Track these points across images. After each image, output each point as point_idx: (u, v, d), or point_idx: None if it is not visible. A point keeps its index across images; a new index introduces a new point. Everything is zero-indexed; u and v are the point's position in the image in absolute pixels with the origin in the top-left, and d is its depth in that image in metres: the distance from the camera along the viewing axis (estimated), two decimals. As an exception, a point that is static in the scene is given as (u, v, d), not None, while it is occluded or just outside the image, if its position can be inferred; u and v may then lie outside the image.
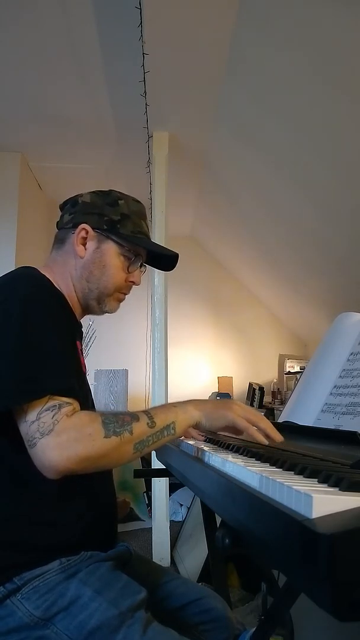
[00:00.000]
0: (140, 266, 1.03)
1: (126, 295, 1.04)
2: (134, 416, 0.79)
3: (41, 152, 3.54)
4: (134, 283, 1.02)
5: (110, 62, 2.53)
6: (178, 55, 2.41)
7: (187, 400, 0.88)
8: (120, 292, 1.02)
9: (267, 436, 0.84)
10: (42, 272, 0.91)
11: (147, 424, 0.79)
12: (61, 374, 0.78)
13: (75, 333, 0.97)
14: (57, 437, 0.71)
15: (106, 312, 1.02)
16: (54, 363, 0.78)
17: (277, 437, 0.85)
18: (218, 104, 2.74)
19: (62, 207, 1.04)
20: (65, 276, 0.97)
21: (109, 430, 0.74)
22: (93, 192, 1.01)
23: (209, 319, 4.90)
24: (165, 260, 1.08)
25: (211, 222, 4.46)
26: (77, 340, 0.97)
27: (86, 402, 0.92)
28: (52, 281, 0.92)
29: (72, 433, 0.72)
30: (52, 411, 0.73)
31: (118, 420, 0.76)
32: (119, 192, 1.01)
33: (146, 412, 0.81)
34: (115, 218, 0.98)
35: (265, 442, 0.83)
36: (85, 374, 1.00)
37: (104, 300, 1.00)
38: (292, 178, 2.86)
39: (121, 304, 1.05)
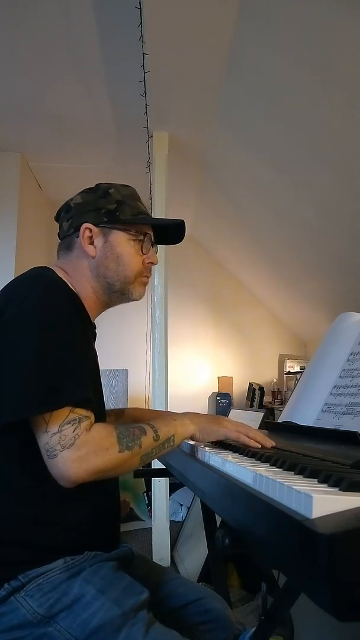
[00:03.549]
0: (152, 245, 1.03)
1: (148, 278, 1.03)
2: (142, 429, 0.83)
3: (41, 152, 3.53)
4: (152, 263, 1.02)
5: (110, 62, 2.53)
6: (178, 55, 2.41)
7: (184, 413, 0.95)
8: (142, 276, 1.01)
9: (258, 442, 0.91)
10: (57, 273, 0.91)
11: (153, 437, 0.84)
12: (81, 384, 0.80)
13: (90, 335, 0.97)
14: (77, 451, 0.74)
15: (134, 300, 1.02)
16: (73, 372, 0.80)
17: (267, 443, 0.91)
18: (218, 104, 2.74)
19: (57, 217, 1.04)
20: (79, 278, 0.97)
21: (122, 444, 0.79)
22: (81, 192, 1.01)
23: (209, 319, 4.89)
24: (172, 232, 1.08)
25: (211, 222, 4.46)
26: (92, 342, 0.98)
27: (100, 404, 0.95)
28: (67, 283, 0.92)
29: (91, 447, 0.76)
30: (72, 425, 0.76)
31: (130, 435, 0.81)
32: (106, 183, 1.01)
33: (151, 425, 0.85)
34: (112, 207, 0.97)
35: (258, 445, 0.90)
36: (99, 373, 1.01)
37: (128, 289, 0.99)
38: (292, 178, 2.86)
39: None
